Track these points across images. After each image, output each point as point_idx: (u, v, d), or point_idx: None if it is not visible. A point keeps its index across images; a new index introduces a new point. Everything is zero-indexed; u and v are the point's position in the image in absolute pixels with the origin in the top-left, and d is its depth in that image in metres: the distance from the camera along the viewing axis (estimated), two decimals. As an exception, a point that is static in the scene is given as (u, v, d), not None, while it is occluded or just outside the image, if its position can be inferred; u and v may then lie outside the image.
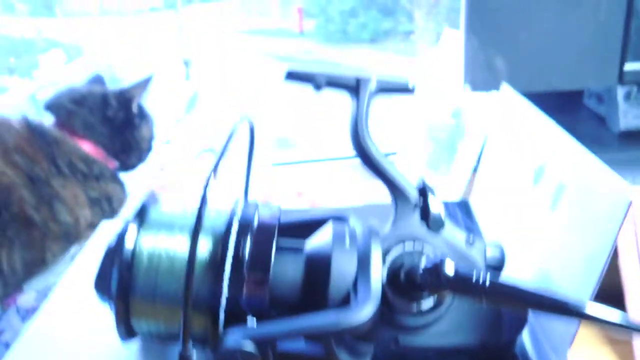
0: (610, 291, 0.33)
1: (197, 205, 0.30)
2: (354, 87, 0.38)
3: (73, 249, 0.70)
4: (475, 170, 0.78)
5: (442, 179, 0.83)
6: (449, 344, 0.37)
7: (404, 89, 0.39)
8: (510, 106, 0.50)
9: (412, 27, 2.71)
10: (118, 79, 1.23)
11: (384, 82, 0.39)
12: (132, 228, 0.33)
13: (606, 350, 0.54)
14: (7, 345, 0.56)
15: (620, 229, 0.31)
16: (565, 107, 0.76)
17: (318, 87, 0.38)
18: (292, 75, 0.38)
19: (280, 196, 0.82)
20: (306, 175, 0.91)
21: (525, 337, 0.40)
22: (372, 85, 0.38)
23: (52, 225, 0.67)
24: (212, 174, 0.30)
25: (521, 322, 0.38)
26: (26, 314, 0.60)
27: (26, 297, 0.62)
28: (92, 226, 0.73)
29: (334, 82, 0.38)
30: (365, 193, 0.80)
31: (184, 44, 2.36)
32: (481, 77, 0.62)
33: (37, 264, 0.66)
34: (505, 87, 0.51)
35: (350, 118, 0.38)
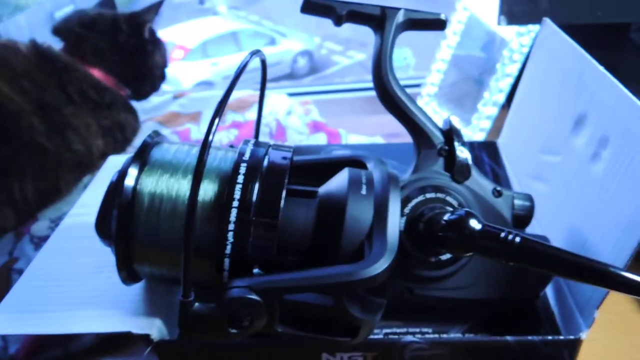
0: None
1: (202, 142, 0.27)
2: (379, 20, 0.34)
3: (86, 179, 0.69)
4: (502, 107, 0.74)
5: (467, 116, 0.79)
6: (466, 297, 0.35)
7: (435, 24, 0.35)
8: (551, 44, 0.45)
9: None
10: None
11: (412, 15, 0.34)
12: (133, 168, 0.31)
13: (632, 308, 0.52)
14: (20, 273, 0.57)
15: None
16: (609, 40, 0.70)
17: (339, 19, 0.34)
18: (310, 5, 0.34)
19: (294, 129, 0.79)
20: (322, 107, 0.87)
21: (549, 290, 0.38)
22: (400, 18, 0.34)
23: (65, 154, 0.66)
24: (219, 110, 0.28)
25: (546, 278, 0.36)
26: (39, 242, 0.60)
27: (39, 226, 0.62)
28: (105, 156, 0.71)
29: (357, 14, 0.34)
30: (384, 126, 0.77)
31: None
32: (519, 8, 0.57)
33: (50, 193, 0.65)
34: (548, 23, 0.46)
35: (373, 54, 0.35)
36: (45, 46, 0.70)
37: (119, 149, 0.74)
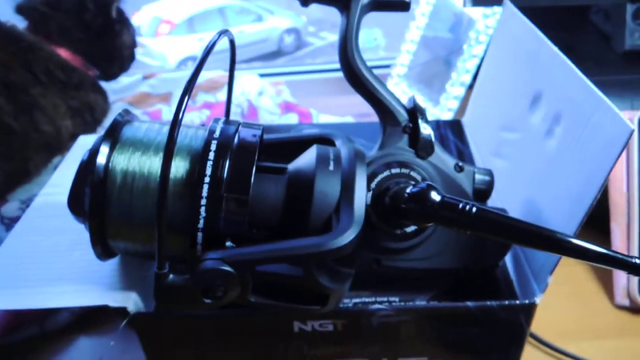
0: (597, 215, 0.33)
1: (172, 120, 0.28)
2: (345, 1, 0.35)
3: (56, 160, 0.69)
4: (469, 87, 0.76)
5: (435, 96, 0.80)
6: (431, 267, 0.37)
7: (399, 5, 0.36)
8: (511, 26, 0.47)
9: None
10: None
11: None
12: (104, 146, 0.31)
13: (588, 277, 0.56)
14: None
15: (612, 167, 0.30)
16: (570, 22, 0.72)
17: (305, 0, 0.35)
18: None
19: (266, 109, 0.79)
20: (294, 87, 0.88)
21: (508, 259, 0.40)
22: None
23: (33, 134, 0.65)
24: (188, 88, 0.28)
25: (504, 247, 0.38)
26: (10, 223, 0.60)
27: (10, 207, 0.62)
28: (74, 137, 0.71)
29: None
30: (355, 106, 0.78)
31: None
32: (483, -11, 0.58)
33: (19, 174, 0.64)
34: (508, 5, 0.47)
35: (339, 34, 0.36)
36: (9, 25, 0.68)
37: (89, 130, 0.73)
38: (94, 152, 0.32)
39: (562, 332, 0.49)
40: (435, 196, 0.30)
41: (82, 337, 0.51)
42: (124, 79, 0.82)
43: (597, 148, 0.32)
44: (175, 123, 0.27)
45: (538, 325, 0.48)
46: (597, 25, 0.72)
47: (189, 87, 0.28)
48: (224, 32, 0.33)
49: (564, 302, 0.52)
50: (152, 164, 0.32)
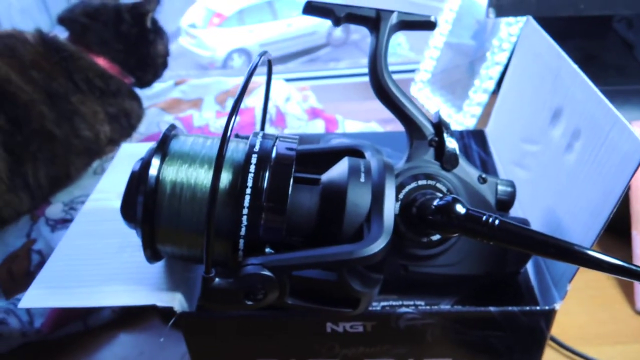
0: (619, 223, 0.34)
1: (221, 138, 0.30)
2: (374, 21, 0.38)
3: (95, 164, 0.73)
4: (492, 94, 0.77)
5: (458, 102, 0.82)
6: (456, 273, 0.39)
7: (425, 25, 0.38)
8: (533, 41, 0.48)
9: None
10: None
11: (405, 17, 0.38)
12: (156, 159, 0.34)
13: (609, 284, 0.57)
14: (39, 253, 0.60)
15: (628, 183, 0.31)
16: (593, 30, 0.73)
17: (337, 20, 0.38)
18: (311, 8, 0.38)
19: (293, 115, 0.82)
20: (319, 92, 0.90)
21: (530, 267, 0.42)
22: (393, 20, 0.38)
23: (74, 140, 0.68)
24: (235, 110, 0.31)
25: (525, 256, 0.40)
26: (55, 224, 0.63)
27: (53, 209, 0.65)
28: (112, 142, 0.75)
29: (354, 16, 0.38)
30: (380, 112, 0.80)
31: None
32: (507, 1, 0.60)
33: (62, 178, 0.68)
34: (530, 21, 0.49)
35: (369, 52, 0.38)
36: (51, 35, 0.72)
37: (125, 135, 0.77)
38: (146, 164, 0.34)
39: (583, 336, 0.50)
40: (460, 209, 0.32)
41: (122, 333, 0.54)
42: (156, 85, 0.86)
43: (614, 164, 0.34)
44: (224, 141, 0.30)
45: (560, 329, 0.50)
46: (620, 33, 0.73)
47: (237, 105, 0.30)
48: (263, 54, 0.36)
49: (585, 308, 0.53)
50: (198, 175, 0.34)
